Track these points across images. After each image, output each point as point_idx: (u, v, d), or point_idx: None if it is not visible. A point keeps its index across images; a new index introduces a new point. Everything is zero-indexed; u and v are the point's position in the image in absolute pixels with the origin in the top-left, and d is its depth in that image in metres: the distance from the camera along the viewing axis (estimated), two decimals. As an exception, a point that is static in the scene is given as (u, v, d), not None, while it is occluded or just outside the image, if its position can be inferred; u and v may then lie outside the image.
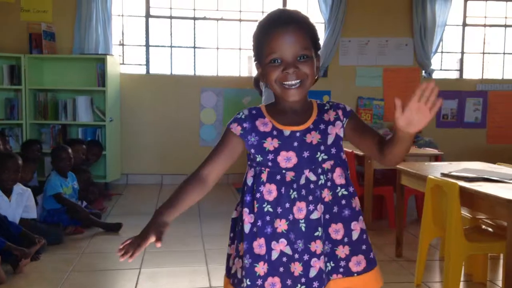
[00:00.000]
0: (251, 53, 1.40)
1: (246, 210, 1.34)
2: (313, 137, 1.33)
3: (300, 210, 1.31)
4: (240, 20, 6.21)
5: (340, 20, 6.05)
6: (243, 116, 1.37)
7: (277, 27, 1.29)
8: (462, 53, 6.60)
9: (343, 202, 1.36)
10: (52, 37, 5.68)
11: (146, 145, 6.03)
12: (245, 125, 1.35)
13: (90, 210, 4.06)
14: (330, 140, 1.35)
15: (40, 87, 5.56)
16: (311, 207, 1.32)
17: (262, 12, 6.17)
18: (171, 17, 6.11)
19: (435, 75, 6.49)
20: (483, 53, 6.68)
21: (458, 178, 2.54)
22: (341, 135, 1.36)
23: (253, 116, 1.36)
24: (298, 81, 1.29)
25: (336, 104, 1.40)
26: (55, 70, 5.71)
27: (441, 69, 6.61)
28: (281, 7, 6.06)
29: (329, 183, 1.34)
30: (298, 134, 1.33)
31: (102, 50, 5.74)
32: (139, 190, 5.63)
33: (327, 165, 1.34)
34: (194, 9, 6.14)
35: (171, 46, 6.15)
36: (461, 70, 6.63)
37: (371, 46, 6.30)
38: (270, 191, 1.33)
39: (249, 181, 1.36)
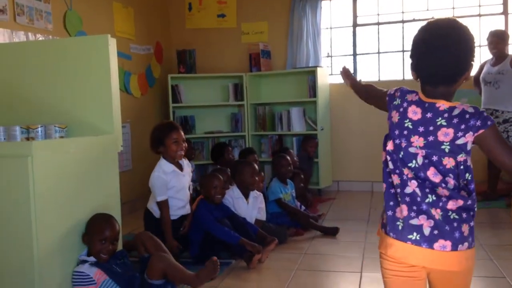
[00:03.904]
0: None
1: None
2: None
3: None
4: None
5: None
6: None
7: None
8: None
9: None
10: (268, 55, 6.20)
11: (356, 152, 6.08)
12: None
13: (308, 214, 4.27)
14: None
15: (259, 101, 6.12)
16: None
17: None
18: (378, 23, 6.09)
19: None
20: None
21: None
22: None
23: None
24: None
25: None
26: (271, 85, 6.23)
27: None
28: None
29: None
30: None
31: (312, 63, 6.03)
32: (350, 197, 5.71)
33: None
34: (403, 12, 6.00)
35: (378, 53, 6.12)
36: None
37: None
38: None
39: None
